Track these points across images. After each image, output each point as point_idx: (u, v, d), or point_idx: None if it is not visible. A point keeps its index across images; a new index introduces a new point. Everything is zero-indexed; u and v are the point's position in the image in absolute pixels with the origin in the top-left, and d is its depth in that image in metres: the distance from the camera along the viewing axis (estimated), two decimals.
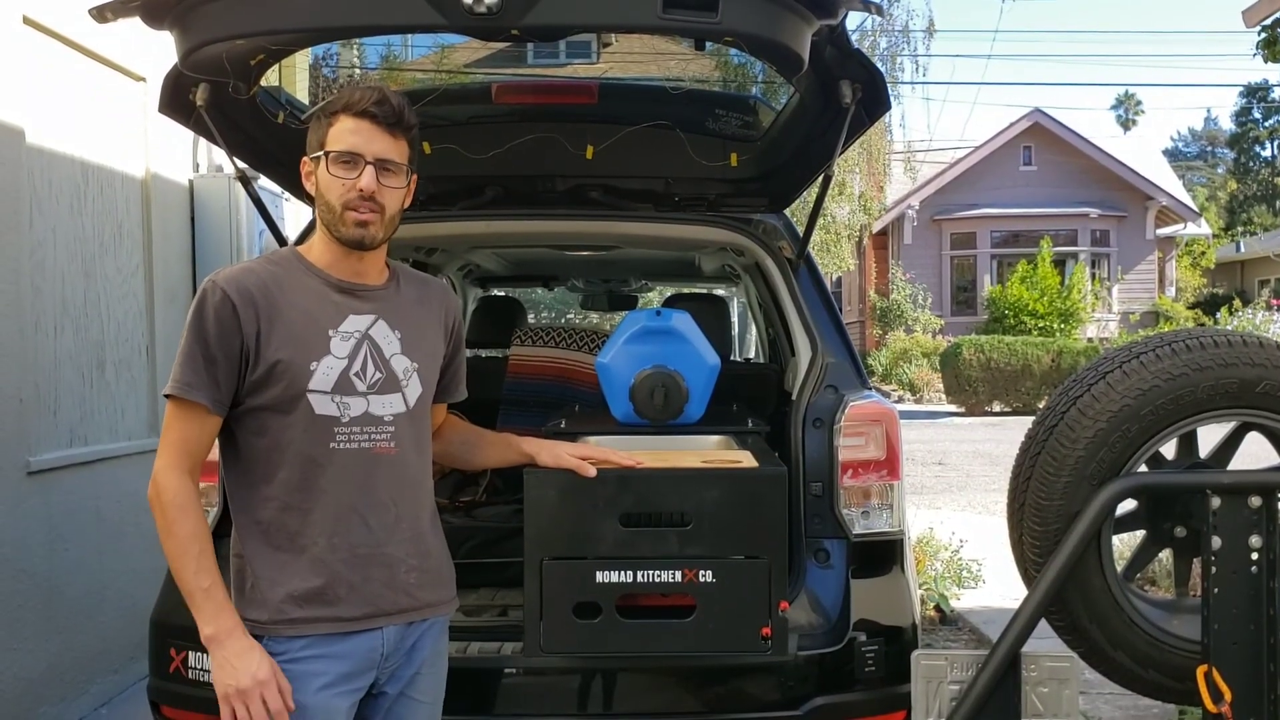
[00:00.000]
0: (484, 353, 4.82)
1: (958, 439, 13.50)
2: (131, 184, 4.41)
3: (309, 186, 1.89)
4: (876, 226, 21.19)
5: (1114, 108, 52.74)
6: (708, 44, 2.89)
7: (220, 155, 4.88)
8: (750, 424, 2.63)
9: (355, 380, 1.83)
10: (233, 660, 1.72)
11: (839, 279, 23.90)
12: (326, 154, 1.81)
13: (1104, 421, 2.33)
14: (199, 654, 2.38)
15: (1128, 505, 2.48)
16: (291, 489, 1.80)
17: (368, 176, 1.81)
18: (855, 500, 2.57)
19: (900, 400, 19.07)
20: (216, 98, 2.42)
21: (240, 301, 1.78)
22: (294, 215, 5.19)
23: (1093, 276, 22.42)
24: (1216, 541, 2.29)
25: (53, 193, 3.84)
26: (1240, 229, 41.28)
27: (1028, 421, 2.58)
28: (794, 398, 2.73)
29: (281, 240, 3.12)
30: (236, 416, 1.81)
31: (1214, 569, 2.30)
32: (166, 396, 1.79)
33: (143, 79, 4.40)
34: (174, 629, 2.41)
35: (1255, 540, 2.29)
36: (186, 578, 1.74)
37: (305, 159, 1.88)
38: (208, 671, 1.78)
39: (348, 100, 1.82)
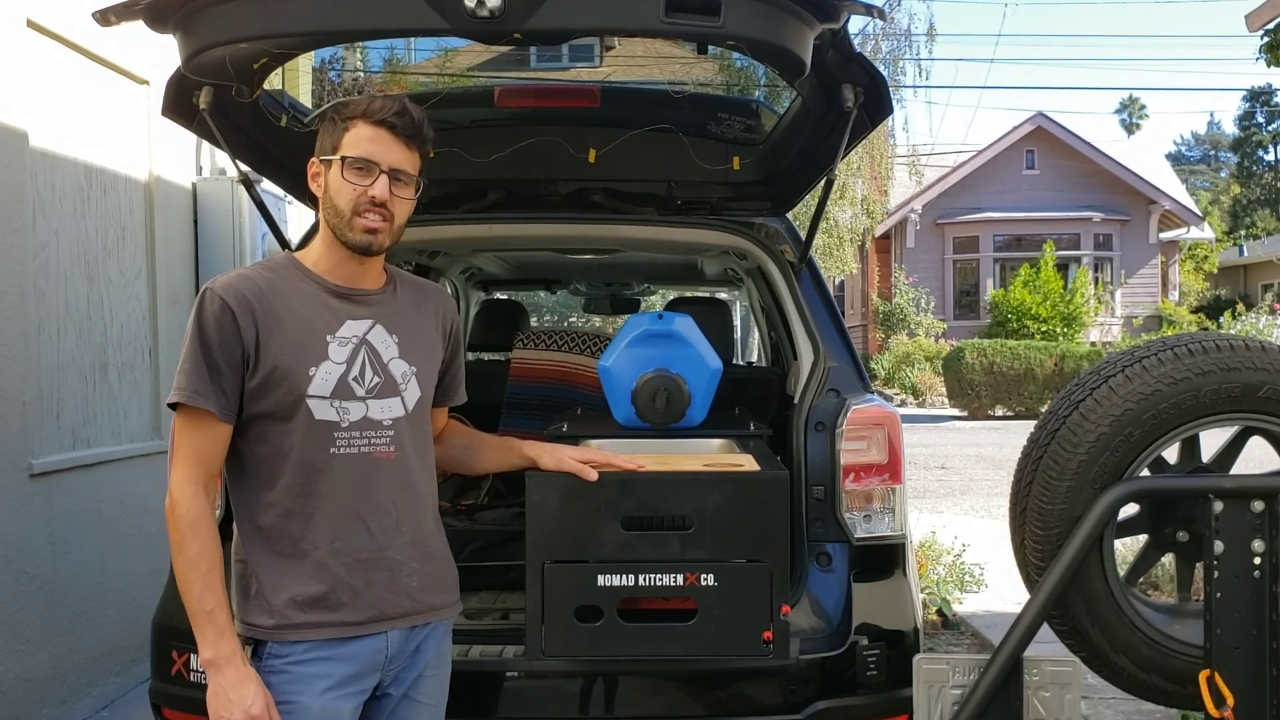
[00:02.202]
0: (486, 356, 4.83)
1: (960, 443, 13.48)
2: (135, 187, 4.41)
3: (315, 188, 1.88)
4: (879, 230, 21.15)
5: (1117, 111, 52.79)
6: (710, 48, 2.90)
7: (223, 158, 4.90)
8: (752, 428, 2.63)
9: (354, 385, 1.83)
10: (228, 690, 1.71)
11: (841, 282, 23.89)
12: (343, 159, 1.81)
13: (1106, 426, 2.32)
14: None
15: (1130, 510, 2.47)
16: (293, 495, 1.80)
17: (381, 185, 1.81)
18: (857, 504, 2.57)
19: (903, 404, 19.06)
20: (220, 101, 2.42)
21: (238, 308, 1.77)
22: (297, 218, 5.19)
23: (1096, 280, 22.39)
24: (1219, 546, 2.29)
25: (56, 195, 3.84)
26: (1243, 233, 41.22)
27: (1030, 425, 2.57)
28: (796, 401, 2.73)
29: (284, 243, 3.12)
30: (239, 425, 1.81)
31: (1216, 573, 2.29)
32: (173, 406, 1.78)
33: (146, 82, 4.41)
34: (176, 632, 2.40)
35: (1258, 545, 2.28)
36: (192, 598, 1.73)
37: (314, 160, 1.87)
38: None
39: (366, 107, 1.82)
